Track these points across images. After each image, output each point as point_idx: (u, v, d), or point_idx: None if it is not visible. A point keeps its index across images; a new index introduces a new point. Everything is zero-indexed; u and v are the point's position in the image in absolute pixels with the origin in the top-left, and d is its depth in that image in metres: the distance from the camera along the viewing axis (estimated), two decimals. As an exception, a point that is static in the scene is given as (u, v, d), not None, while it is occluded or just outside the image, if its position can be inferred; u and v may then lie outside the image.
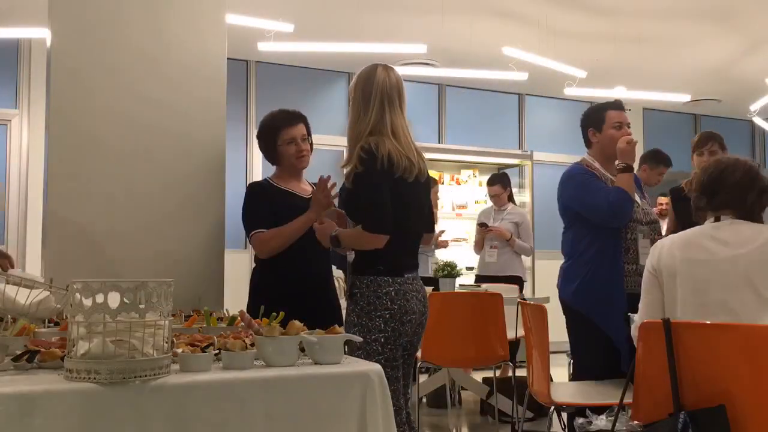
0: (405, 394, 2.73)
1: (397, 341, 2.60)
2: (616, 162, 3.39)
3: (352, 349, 2.56)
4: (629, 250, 3.32)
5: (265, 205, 3.13)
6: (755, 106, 8.77)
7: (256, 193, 3.20)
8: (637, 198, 3.42)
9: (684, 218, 3.81)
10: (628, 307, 3.18)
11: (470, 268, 7.60)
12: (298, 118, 3.23)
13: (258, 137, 3.28)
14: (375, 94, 2.64)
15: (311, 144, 3.27)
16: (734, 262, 2.39)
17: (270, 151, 3.23)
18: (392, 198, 2.58)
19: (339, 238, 2.65)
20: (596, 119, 3.50)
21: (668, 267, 2.51)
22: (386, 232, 2.56)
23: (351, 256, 2.73)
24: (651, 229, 3.39)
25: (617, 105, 3.53)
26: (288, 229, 3.03)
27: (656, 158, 5.73)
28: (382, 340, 2.57)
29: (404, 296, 2.60)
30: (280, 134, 3.17)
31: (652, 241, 3.33)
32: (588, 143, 3.55)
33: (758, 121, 9.46)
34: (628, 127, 3.48)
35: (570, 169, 3.52)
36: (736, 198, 2.54)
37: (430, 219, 2.93)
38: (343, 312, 3.21)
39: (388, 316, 2.57)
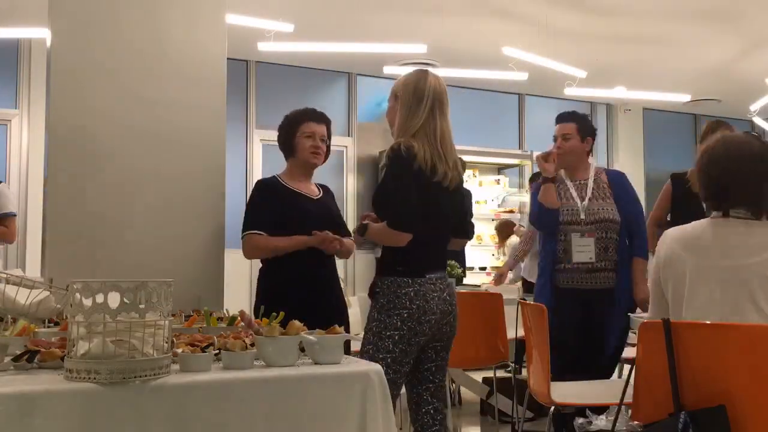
0: (439, 392, 2.79)
1: (411, 340, 2.63)
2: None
3: (363, 344, 2.64)
4: (567, 251, 3.67)
5: (270, 203, 3.13)
6: (755, 106, 8.75)
7: (258, 191, 3.21)
8: (576, 199, 3.69)
9: (683, 213, 3.82)
10: (555, 303, 3.52)
11: (470, 268, 7.62)
12: (324, 118, 3.28)
13: (279, 128, 3.29)
14: (427, 97, 2.68)
15: (329, 147, 3.30)
16: (737, 273, 2.18)
17: (287, 142, 3.25)
18: (418, 199, 2.62)
19: (367, 228, 2.74)
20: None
21: (668, 264, 2.31)
22: (409, 230, 2.61)
23: (378, 254, 2.82)
24: (595, 228, 3.64)
25: (559, 118, 3.92)
26: (276, 243, 3.07)
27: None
28: (396, 337, 2.61)
29: (423, 297, 2.63)
30: (301, 126, 3.21)
31: (600, 239, 3.63)
32: None
33: (758, 121, 9.45)
34: (564, 140, 3.79)
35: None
36: (750, 192, 2.25)
37: (462, 224, 2.93)
38: (350, 314, 3.26)
39: (405, 315, 2.61)
